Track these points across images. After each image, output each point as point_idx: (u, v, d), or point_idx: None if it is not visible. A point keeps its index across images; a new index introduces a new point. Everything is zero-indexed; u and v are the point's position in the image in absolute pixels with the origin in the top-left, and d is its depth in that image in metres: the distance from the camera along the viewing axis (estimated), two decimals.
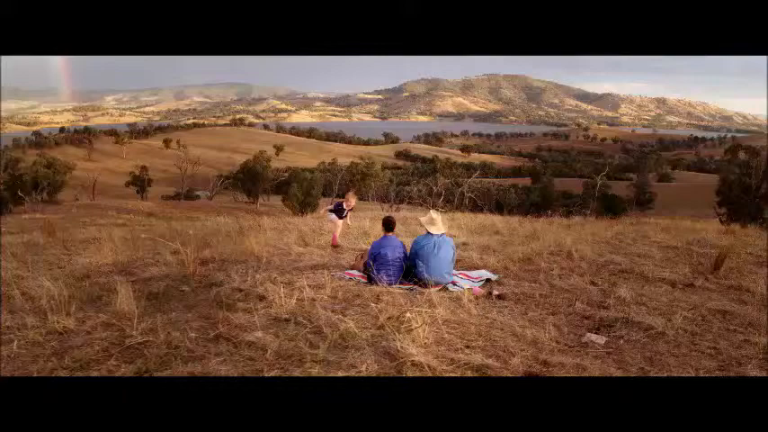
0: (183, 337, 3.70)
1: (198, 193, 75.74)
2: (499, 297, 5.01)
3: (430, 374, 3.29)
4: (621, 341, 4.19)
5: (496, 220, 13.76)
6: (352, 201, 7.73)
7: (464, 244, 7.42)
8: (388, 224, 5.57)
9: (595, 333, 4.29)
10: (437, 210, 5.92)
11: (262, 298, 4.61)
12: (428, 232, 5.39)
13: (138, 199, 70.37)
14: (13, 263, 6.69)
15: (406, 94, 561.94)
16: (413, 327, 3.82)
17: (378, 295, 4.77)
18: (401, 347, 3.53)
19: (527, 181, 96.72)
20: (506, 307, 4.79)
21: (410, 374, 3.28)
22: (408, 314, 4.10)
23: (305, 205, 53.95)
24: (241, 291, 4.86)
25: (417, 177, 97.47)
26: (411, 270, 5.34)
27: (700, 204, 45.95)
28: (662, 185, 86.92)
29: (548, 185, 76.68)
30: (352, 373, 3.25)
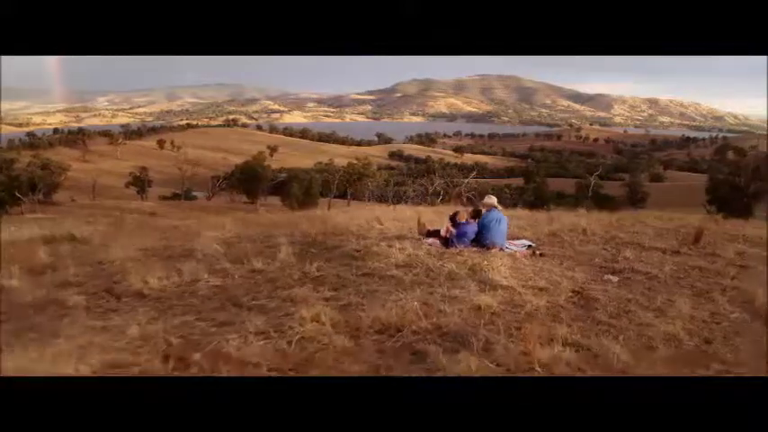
0: (347, 273, 5.65)
1: (194, 193, 76.07)
2: (541, 254, 7.02)
3: (517, 296, 5.19)
4: (629, 280, 6.18)
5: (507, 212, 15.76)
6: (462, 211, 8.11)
7: None
8: (477, 213, 7.57)
9: (612, 274, 6.28)
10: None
11: (376, 254, 6.56)
12: (490, 210, 7.42)
13: (139, 199, 71.07)
14: (154, 236, 8.61)
15: (399, 94, 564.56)
16: (494, 266, 5.79)
17: (459, 252, 6.77)
18: (491, 277, 5.50)
19: (520, 181, 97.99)
20: (547, 261, 6.78)
21: (500, 293, 5.21)
22: (485, 261, 6.08)
23: (304, 204, 54.90)
24: (358, 251, 6.80)
25: (412, 178, 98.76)
26: (479, 239, 7.35)
27: (691, 204, 47.81)
28: (654, 185, 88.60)
29: (541, 185, 78.16)
30: (464, 293, 5.18)
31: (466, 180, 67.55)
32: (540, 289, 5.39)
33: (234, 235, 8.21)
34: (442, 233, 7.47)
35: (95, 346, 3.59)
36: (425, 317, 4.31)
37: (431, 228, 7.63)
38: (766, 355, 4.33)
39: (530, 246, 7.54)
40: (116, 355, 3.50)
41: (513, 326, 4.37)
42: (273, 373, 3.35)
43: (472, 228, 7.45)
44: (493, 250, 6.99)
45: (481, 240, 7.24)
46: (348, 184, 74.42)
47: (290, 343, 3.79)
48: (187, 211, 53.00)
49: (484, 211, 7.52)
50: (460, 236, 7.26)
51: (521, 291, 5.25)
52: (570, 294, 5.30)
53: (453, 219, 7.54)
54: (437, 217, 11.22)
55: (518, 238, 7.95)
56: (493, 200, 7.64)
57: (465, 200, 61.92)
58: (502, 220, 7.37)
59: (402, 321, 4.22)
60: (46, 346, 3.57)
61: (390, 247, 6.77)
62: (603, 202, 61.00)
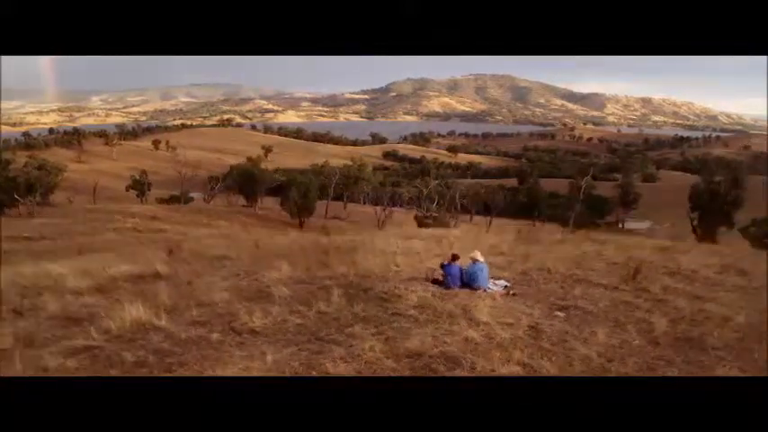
0: (381, 313, 8.53)
1: (192, 195, 76.96)
2: (513, 294, 9.92)
3: (491, 330, 8.07)
4: (571, 315, 9.07)
5: (496, 238, 18.68)
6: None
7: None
8: (455, 257, 10.45)
9: (560, 311, 9.18)
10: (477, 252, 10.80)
11: (398, 296, 9.42)
12: (475, 262, 10.32)
13: (138, 202, 72.19)
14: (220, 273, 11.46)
15: (393, 93, 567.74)
16: (479, 307, 8.70)
17: (455, 295, 9.66)
18: (476, 315, 8.40)
19: (514, 181, 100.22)
20: (517, 299, 9.67)
21: (481, 328, 8.07)
22: (473, 302, 8.99)
23: (302, 209, 56.25)
24: (385, 293, 9.66)
25: (407, 179, 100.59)
26: (468, 283, 10.25)
27: (682, 204, 50.79)
28: (646, 186, 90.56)
29: (534, 186, 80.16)
30: (458, 328, 8.03)
31: (461, 181, 69.64)
32: (508, 324, 8.27)
33: (288, 276, 11.07)
34: (438, 276, 10.42)
35: (253, 368, 6.42)
36: (435, 347, 7.19)
37: (434, 278, 10.51)
38: (649, 369, 7.18)
39: (506, 286, 10.43)
40: (269, 373, 6.33)
41: (487, 350, 7.23)
42: None
43: (456, 268, 10.32)
44: (478, 291, 9.91)
45: (470, 284, 10.15)
46: (344, 188, 76.20)
47: (360, 365, 6.65)
48: (188, 214, 54.87)
49: (470, 262, 10.43)
50: (449, 275, 10.16)
51: (494, 326, 8.13)
52: (527, 328, 8.19)
53: (442, 265, 10.47)
54: (438, 248, 14.19)
55: (499, 278, 10.84)
56: (477, 254, 10.55)
57: (459, 205, 64.58)
58: (484, 268, 10.29)
59: (421, 349, 7.08)
60: (227, 368, 6.41)
61: (406, 290, 9.67)
62: (595, 204, 63.12)
